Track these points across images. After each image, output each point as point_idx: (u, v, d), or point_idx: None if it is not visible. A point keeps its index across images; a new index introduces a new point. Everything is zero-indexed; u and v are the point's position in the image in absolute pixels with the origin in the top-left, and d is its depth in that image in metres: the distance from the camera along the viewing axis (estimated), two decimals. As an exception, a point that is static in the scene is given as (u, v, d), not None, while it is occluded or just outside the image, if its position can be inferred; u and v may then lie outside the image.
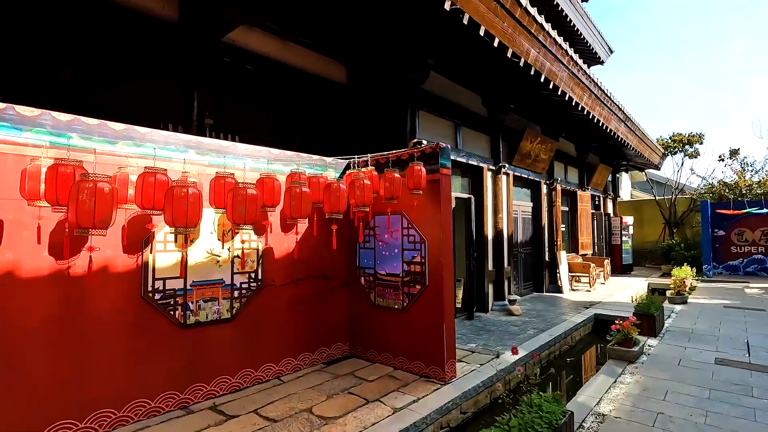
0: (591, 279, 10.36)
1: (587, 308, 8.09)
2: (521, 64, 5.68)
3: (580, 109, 7.82)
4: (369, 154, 4.60)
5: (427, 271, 4.32)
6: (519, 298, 7.82)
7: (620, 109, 9.71)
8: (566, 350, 6.34)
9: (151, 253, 3.43)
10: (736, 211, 13.10)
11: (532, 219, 10.14)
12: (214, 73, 4.92)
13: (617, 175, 19.82)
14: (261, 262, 4.18)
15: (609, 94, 8.89)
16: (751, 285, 10.99)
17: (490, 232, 8.03)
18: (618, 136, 10.22)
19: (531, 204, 10.15)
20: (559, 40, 6.53)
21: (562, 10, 12.54)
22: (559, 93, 6.91)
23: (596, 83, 8.09)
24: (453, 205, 7.19)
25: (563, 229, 11.90)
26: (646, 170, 23.11)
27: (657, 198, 16.83)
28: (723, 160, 15.52)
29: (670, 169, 20.37)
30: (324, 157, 4.76)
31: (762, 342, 5.62)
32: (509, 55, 5.42)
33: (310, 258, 4.61)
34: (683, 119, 55.68)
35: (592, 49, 15.16)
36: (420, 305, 4.36)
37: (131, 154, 3.30)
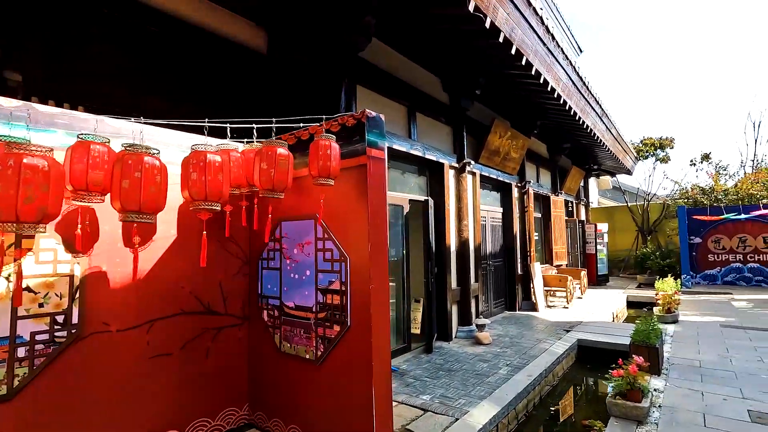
0: (568, 294, 9.18)
1: (568, 331, 6.83)
2: (486, 24, 4.38)
3: (555, 96, 6.63)
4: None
5: (349, 303, 2.85)
6: (488, 321, 6.47)
7: (598, 103, 8.66)
8: (548, 392, 4.99)
9: None
10: (714, 217, 12.37)
11: (502, 226, 8.88)
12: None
13: (588, 181, 19.14)
14: (79, 295, 2.59)
15: (587, 84, 7.80)
16: (735, 297, 10.12)
17: (453, 243, 6.66)
18: (594, 134, 9.16)
19: (501, 209, 8.90)
20: (535, 3, 5.31)
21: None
22: (533, 73, 5.67)
23: (575, 68, 6.94)
24: (407, 209, 5.79)
25: (536, 237, 10.74)
26: (614, 177, 22.66)
27: (629, 204, 16.12)
28: (695, 164, 14.95)
29: (639, 176, 19.90)
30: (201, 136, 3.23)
31: (789, 378, 4.46)
32: (471, 8, 4.10)
33: (180, 284, 3.05)
34: (652, 125, 57.16)
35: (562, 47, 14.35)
36: (339, 355, 2.88)
37: None
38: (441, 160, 6.34)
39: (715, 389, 4.20)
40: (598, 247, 13.22)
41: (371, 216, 2.81)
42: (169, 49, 3.78)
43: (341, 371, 2.86)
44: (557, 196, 11.56)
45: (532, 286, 8.89)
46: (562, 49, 6.26)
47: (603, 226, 13.53)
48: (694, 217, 12.69)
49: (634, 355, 4.08)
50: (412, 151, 5.71)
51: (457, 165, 6.75)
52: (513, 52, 5.05)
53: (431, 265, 5.73)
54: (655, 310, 7.82)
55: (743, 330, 6.74)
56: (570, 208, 13.54)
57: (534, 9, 5.25)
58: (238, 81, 4.29)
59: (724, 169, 14.01)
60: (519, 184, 9.30)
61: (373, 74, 5.10)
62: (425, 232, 5.75)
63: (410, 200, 5.89)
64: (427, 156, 6.01)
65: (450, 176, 6.63)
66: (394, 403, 3.46)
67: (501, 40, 4.72)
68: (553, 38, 5.89)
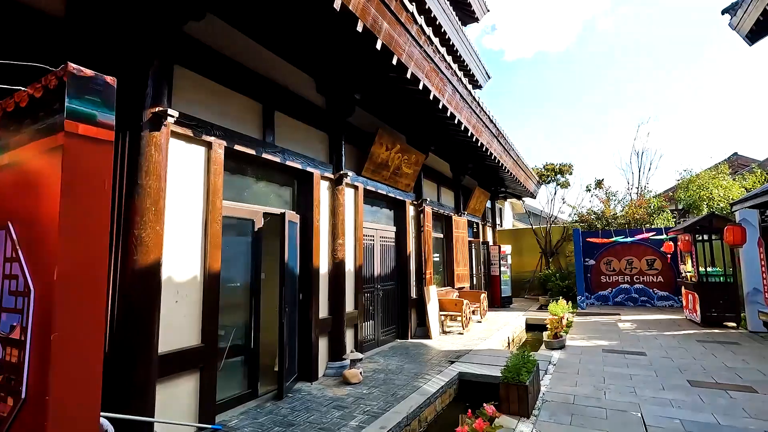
0: (464, 319, 8.72)
1: (453, 362, 6.22)
2: (336, 5, 3.68)
3: (441, 107, 6.18)
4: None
5: (28, 362, 1.82)
6: (361, 356, 5.65)
7: (492, 122, 8.48)
8: (410, 444, 4.22)
9: None
10: (604, 240, 12.91)
11: (395, 247, 8.25)
12: None
13: (496, 203, 19.59)
14: None
15: (478, 100, 7.53)
16: (622, 318, 10.39)
17: (324, 264, 5.81)
18: (492, 154, 8.99)
19: (394, 228, 8.29)
20: (411, 7, 4.77)
21: (441, 26, 11.58)
22: (409, 76, 5.11)
23: (460, 79, 6.58)
24: (259, 224, 4.85)
25: (436, 258, 10.30)
26: (525, 200, 23.59)
27: (533, 227, 16.59)
28: (590, 190, 15.80)
29: (545, 199, 20.90)
30: None
31: (658, 416, 4.11)
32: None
33: None
34: (553, 153, 62.26)
35: (471, 71, 14.60)
36: (13, 448, 1.82)
37: None
38: (310, 170, 5.52)
39: (582, 433, 3.69)
40: (502, 268, 13.20)
41: (65, 227, 1.83)
42: None
43: (12, 473, 1.79)
44: (460, 216, 11.31)
45: (426, 311, 8.29)
46: (444, 57, 5.83)
47: (507, 248, 13.59)
48: (588, 240, 13.17)
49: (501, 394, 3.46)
50: (268, 157, 4.81)
51: (332, 176, 5.97)
52: (379, 46, 4.44)
53: (286, 292, 4.79)
54: (544, 334, 7.55)
55: (623, 355, 6.61)
56: (475, 229, 13.46)
57: (404, 6, 4.70)
58: (28, 52, 3.11)
59: (614, 195, 14.94)
60: (415, 202, 8.80)
61: (210, 59, 4.17)
62: (281, 252, 4.82)
63: (265, 214, 4.96)
64: (289, 163, 5.15)
65: (323, 188, 5.82)
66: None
67: (360, 29, 4.07)
68: (431, 42, 5.42)
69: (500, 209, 23.26)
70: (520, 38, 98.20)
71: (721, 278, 9.08)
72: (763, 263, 7.81)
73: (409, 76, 5.12)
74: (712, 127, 61.54)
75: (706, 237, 9.62)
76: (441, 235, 10.76)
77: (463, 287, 11.01)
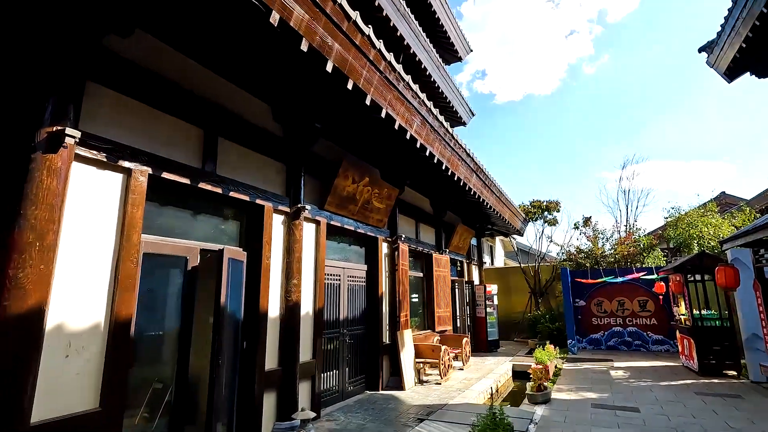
0: (442, 367, 7.98)
1: (423, 420, 5.49)
2: (273, 20, 3.33)
3: (409, 138, 5.81)
4: None
5: None
6: (314, 414, 4.91)
7: (469, 156, 8.14)
8: None
9: None
10: (593, 280, 12.35)
11: (366, 287, 7.64)
12: None
13: (484, 241, 19.13)
14: None
15: (452, 132, 7.20)
16: (615, 364, 9.66)
17: (275, 308, 5.19)
18: (471, 189, 8.60)
19: (365, 267, 7.71)
20: (367, 30, 4.47)
21: (420, 61, 11.61)
22: (368, 103, 4.75)
23: (430, 109, 6.25)
24: (194, 261, 4.29)
25: (415, 299, 9.66)
26: (515, 238, 23.16)
27: (522, 265, 16.03)
28: (578, 228, 15.41)
29: (533, 237, 20.47)
30: None
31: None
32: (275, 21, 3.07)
33: None
34: (542, 190, 62.69)
35: (453, 107, 14.59)
36: None
37: None
38: (260, 202, 5.03)
39: None
40: (489, 310, 12.50)
41: None
42: None
43: None
44: (442, 254, 10.77)
45: (400, 358, 7.57)
46: (408, 85, 5.51)
47: (493, 288, 12.95)
48: (577, 280, 12.61)
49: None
50: (207, 187, 4.33)
51: (288, 210, 5.47)
52: (329, 69, 4.08)
53: (222, 340, 4.15)
54: (528, 386, 6.84)
55: (614, 411, 5.90)
56: (459, 268, 12.89)
57: (358, 28, 4.39)
58: None
59: (602, 233, 14.53)
60: (389, 239, 8.28)
61: (136, 77, 3.76)
62: (216, 293, 4.23)
63: (203, 250, 4.41)
64: (235, 194, 4.66)
65: (276, 223, 5.31)
66: None
67: (304, 48, 3.71)
68: (394, 69, 5.10)
69: (490, 247, 22.79)
70: (509, 82, 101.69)
71: (717, 322, 8.49)
72: (761, 308, 7.26)
73: (368, 102, 4.76)
74: (698, 167, 62.62)
75: (698, 277, 9.11)
76: (420, 275, 10.17)
77: (445, 330, 10.29)
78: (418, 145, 6.10)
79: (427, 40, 11.59)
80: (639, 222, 20.25)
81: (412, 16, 10.52)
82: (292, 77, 4.71)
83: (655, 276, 11.27)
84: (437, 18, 13.53)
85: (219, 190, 4.46)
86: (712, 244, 12.31)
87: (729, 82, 8.35)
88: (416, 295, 9.82)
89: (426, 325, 10.00)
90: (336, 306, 6.66)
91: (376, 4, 8.92)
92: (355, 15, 4.21)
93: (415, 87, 5.67)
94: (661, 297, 11.42)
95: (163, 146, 3.98)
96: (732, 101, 66.21)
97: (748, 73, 7.88)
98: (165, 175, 3.89)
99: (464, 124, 16.10)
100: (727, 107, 66.23)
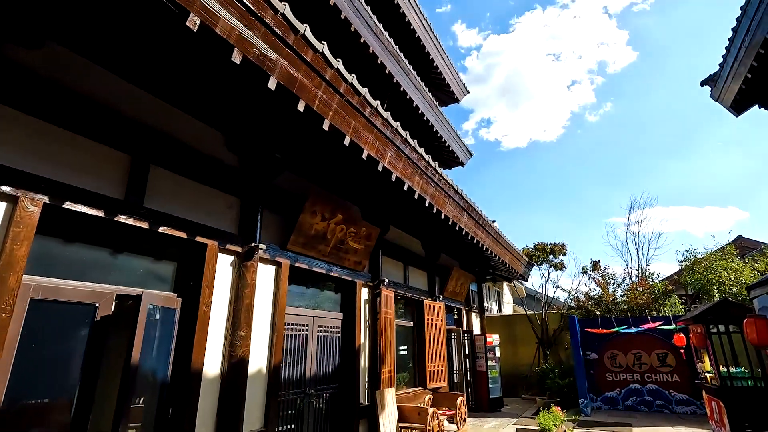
0: (429, 433, 6.91)
1: (394, 508, 4.46)
2: (191, 24, 2.84)
3: (382, 170, 5.23)
4: None
5: None
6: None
7: (457, 192, 7.51)
8: None
9: None
10: (605, 330, 11.22)
11: (341, 338, 6.78)
12: None
13: (488, 286, 18.11)
14: None
15: (435, 167, 6.62)
16: (634, 430, 8.41)
17: (215, 365, 4.38)
18: (462, 230, 7.90)
19: (341, 315, 6.89)
20: (321, 47, 4.01)
21: (412, 99, 11.38)
22: (326, 128, 4.20)
23: (406, 140, 5.69)
24: (105, 310, 3.58)
25: (403, 352, 8.70)
26: (523, 283, 22.02)
27: (528, 313, 14.91)
28: (586, 272, 14.41)
29: (538, 282, 19.33)
30: None
31: None
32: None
33: None
34: (547, 234, 61.39)
35: (449, 147, 14.25)
36: None
37: None
38: (202, 240, 4.37)
39: None
40: (490, 363, 11.34)
41: None
42: None
43: None
44: (435, 301, 9.88)
45: (379, 424, 6.55)
46: (377, 110, 4.98)
47: (494, 338, 11.83)
48: (587, 330, 11.49)
49: None
50: (128, 221, 3.71)
51: (239, 249, 4.80)
52: (272, 86, 3.56)
53: (126, 409, 3.35)
54: (528, 461, 5.75)
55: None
56: (456, 316, 11.89)
57: (310, 46, 3.92)
58: None
59: (612, 278, 13.50)
60: (370, 284, 7.50)
61: (35, 88, 3.26)
62: (128, 348, 3.47)
63: (120, 296, 3.71)
64: (167, 230, 4.02)
65: (222, 264, 4.62)
66: None
67: (237, 59, 3.21)
68: (356, 92, 4.59)
69: (498, 293, 21.62)
70: (514, 130, 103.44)
71: (749, 382, 7.35)
72: (801, 366, 6.20)
73: (326, 127, 4.21)
74: (711, 212, 61.24)
75: (721, 328, 8.05)
76: (410, 323, 9.25)
77: (439, 387, 9.20)
78: (393, 179, 5.50)
79: (418, 78, 11.38)
80: (651, 266, 19.13)
81: (401, 54, 10.34)
82: (236, 98, 4.20)
83: (673, 326, 10.16)
84: (431, 59, 13.47)
85: (145, 225, 3.83)
86: (734, 290, 11.23)
87: (736, 116, 7.75)
88: (405, 347, 8.86)
89: (416, 381, 8.94)
90: (301, 361, 5.80)
91: (362, 41, 8.72)
92: (303, 28, 3.73)
93: (386, 114, 5.13)
94: (682, 350, 10.23)
95: (73, 172, 3.41)
96: (739, 143, 65.84)
97: (757, 105, 7.30)
98: (69, 205, 3.28)
99: (462, 164, 15.68)
100: (734, 150, 65.75)
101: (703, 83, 7.92)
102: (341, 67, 4.27)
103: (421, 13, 12.26)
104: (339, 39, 8.30)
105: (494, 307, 20.35)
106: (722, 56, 7.07)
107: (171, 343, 4.02)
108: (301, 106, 3.89)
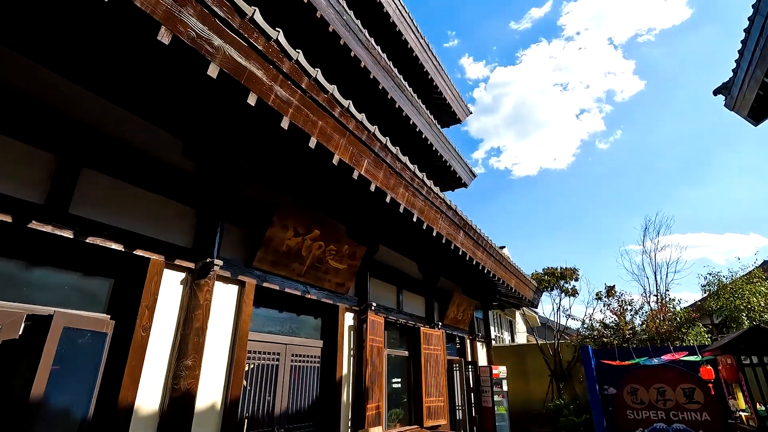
0: (421, 480, 6.04)
1: None
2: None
3: (357, 178, 4.70)
4: None
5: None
6: None
7: (451, 209, 6.93)
8: None
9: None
10: (622, 362, 10.20)
11: (321, 369, 6.08)
12: None
13: (498, 313, 17.14)
14: None
15: (423, 179, 6.08)
16: (660, 478, 7.35)
17: (152, 400, 3.75)
18: (459, 249, 7.27)
19: (320, 342, 6.21)
20: (275, 35, 3.60)
21: (409, 118, 11.02)
22: (286, 126, 3.72)
23: (386, 146, 5.18)
24: (15, 332, 3.04)
25: (396, 385, 7.91)
26: (535, 311, 20.86)
27: (539, 342, 13.87)
28: (601, 298, 13.42)
29: (550, 309, 18.20)
30: None
31: None
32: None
33: None
34: (558, 260, 59.62)
35: (451, 167, 13.79)
36: None
37: None
38: (142, 254, 3.84)
39: None
40: (496, 398, 10.36)
41: None
42: None
43: None
44: (433, 328, 9.12)
45: (361, 468, 5.75)
46: (348, 110, 4.50)
47: (500, 369, 10.88)
48: (603, 361, 10.48)
49: None
50: (45, 228, 3.21)
51: (191, 265, 4.25)
52: (213, 74, 3.11)
53: (19, 457, 2.74)
54: None
55: None
56: (459, 346, 11.02)
57: (278, 46, 3.50)
58: None
59: (629, 304, 12.50)
60: (355, 308, 6.83)
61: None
62: (30, 380, 2.89)
63: (31, 316, 3.17)
64: (93, 240, 3.51)
65: (168, 283, 4.06)
66: None
67: (164, 38, 2.77)
68: (323, 90, 4.12)
69: (510, 322, 20.50)
70: (524, 158, 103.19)
71: (793, 423, 6.36)
72: None
73: (285, 126, 3.73)
74: (732, 239, 59.01)
75: (755, 359, 7.11)
76: (404, 353, 8.47)
77: (438, 425, 8.31)
78: (372, 189, 4.96)
79: (415, 95, 11.05)
80: (671, 292, 17.95)
81: (396, 70, 10.04)
82: (177, 91, 3.77)
83: (698, 357, 9.15)
84: (430, 78, 13.21)
85: (68, 234, 3.33)
86: (765, 316, 10.19)
87: (755, 125, 7.12)
88: (398, 380, 8.06)
89: (411, 418, 8.08)
90: (270, 394, 5.12)
91: (352, 54, 8.43)
92: (252, 11, 3.32)
93: (361, 116, 4.65)
94: (710, 385, 9.16)
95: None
96: (756, 169, 64.09)
97: (779, 114, 6.68)
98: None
99: (465, 185, 15.14)
100: (751, 176, 63.96)
101: (716, 92, 7.34)
102: (302, 59, 3.82)
103: (418, 32, 12.08)
104: (328, 54, 8.02)
105: (506, 337, 19.21)
106: (735, 61, 6.51)
107: (97, 374, 3.43)
108: (252, 100, 3.43)
